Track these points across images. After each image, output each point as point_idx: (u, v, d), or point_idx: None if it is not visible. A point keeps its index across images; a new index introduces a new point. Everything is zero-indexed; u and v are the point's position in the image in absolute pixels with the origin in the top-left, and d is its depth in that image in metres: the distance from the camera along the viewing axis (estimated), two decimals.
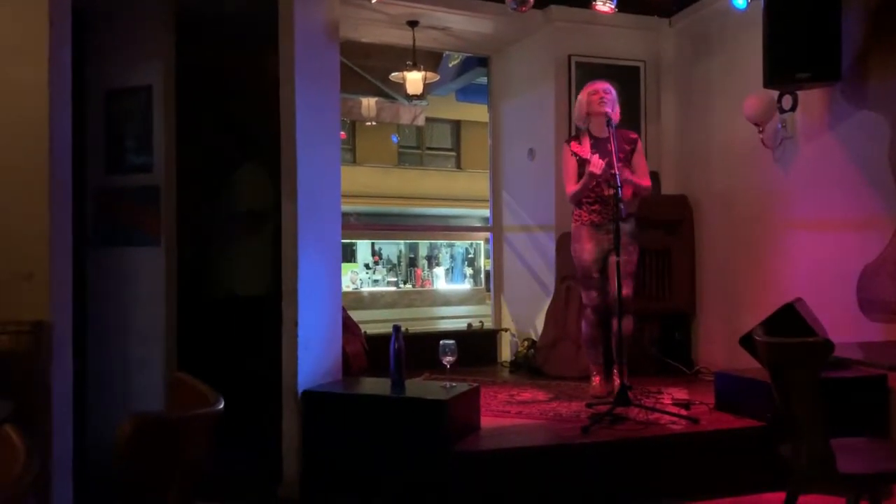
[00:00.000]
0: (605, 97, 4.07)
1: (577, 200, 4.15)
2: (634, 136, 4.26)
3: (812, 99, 4.05)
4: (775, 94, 4.13)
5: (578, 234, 4.19)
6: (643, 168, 4.16)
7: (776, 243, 4.38)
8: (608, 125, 3.94)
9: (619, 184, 3.72)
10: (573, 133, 5.16)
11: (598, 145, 4.06)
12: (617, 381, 3.93)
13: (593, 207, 4.11)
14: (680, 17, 5.38)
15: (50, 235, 2.79)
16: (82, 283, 3.61)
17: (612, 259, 3.89)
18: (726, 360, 4.58)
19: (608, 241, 3.95)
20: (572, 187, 4.11)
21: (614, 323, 4.05)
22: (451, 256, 26.19)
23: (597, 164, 3.90)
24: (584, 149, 4.10)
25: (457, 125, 22.73)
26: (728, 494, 3.35)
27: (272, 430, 3.48)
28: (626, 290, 4.06)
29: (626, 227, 4.07)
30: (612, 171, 3.77)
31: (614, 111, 4.12)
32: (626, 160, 4.10)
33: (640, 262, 4.30)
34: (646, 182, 4.12)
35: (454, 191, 21.64)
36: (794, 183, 4.26)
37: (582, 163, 4.06)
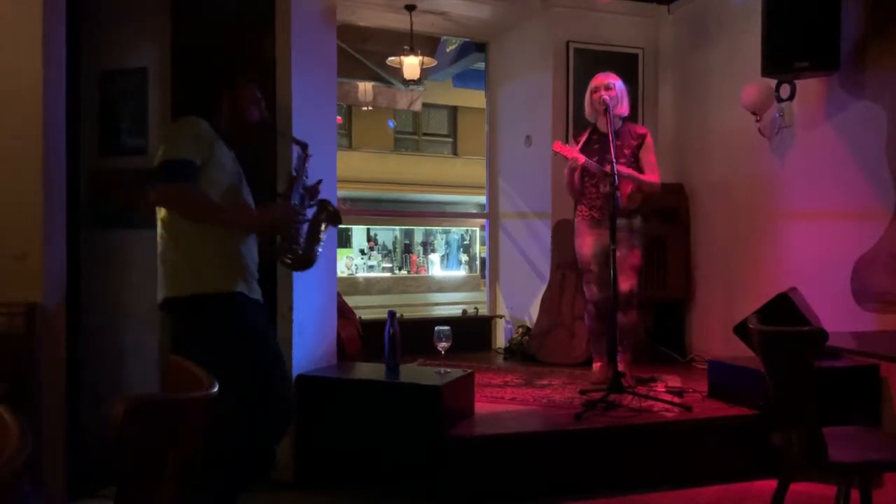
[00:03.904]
0: (605, 93, 4.02)
1: (574, 194, 4.17)
2: (643, 130, 4.19)
3: (810, 88, 4.04)
4: (773, 82, 4.11)
5: (579, 228, 4.22)
6: (650, 164, 4.10)
7: (772, 232, 4.39)
8: (605, 112, 3.95)
9: (615, 179, 3.71)
10: (571, 122, 5.19)
11: (601, 140, 4.04)
12: (620, 368, 3.92)
13: (595, 204, 4.11)
14: (679, 5, 5.36)
15: (43, 217, 2.79)
16: (76, 265, 3.59)
17: (617, 254, 3.95)
18: (720, 349, 4.59)
19: (608, 236, 3.94)
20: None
21: (620, 316, 4.07)
22: (447, 243, 26.23)
23: (572, 156, 3.95)
24: (569, 148, 4.08)
25: (453, 111, 22.70)
26: (720, 482, 3.36)
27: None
28: (631, 285, 4.06)
29: (633, 223, 4.08)
30: (607, 168, 3.79)
31: (622, 105, 4.08)
32: (633, 156, 4.09)
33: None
34: (650, 178, 4.06)
35: (450, 177, 21.63)
36: (790, 172, 4.26)
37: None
